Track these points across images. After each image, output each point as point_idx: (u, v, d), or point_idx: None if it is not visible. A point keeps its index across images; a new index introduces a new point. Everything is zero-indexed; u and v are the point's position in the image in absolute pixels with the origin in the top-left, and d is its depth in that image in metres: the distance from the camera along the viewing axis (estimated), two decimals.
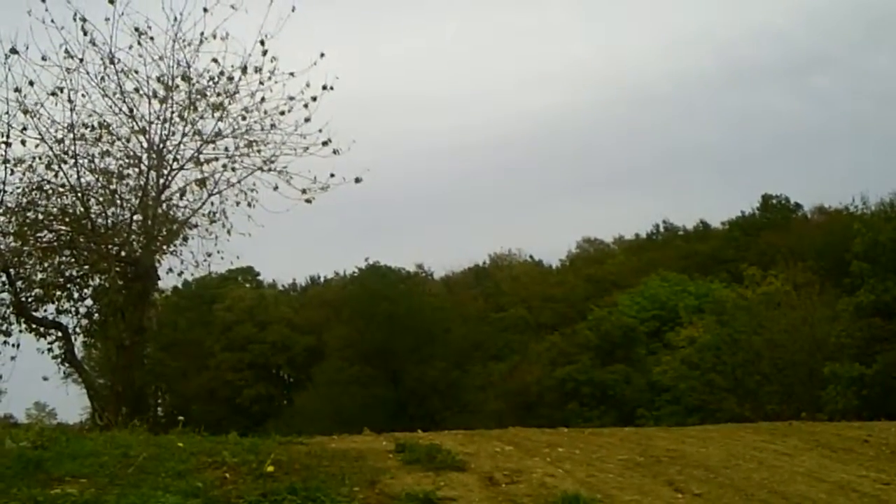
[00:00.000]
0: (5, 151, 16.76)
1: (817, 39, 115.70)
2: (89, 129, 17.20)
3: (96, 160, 17.43)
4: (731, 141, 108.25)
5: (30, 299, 17.90)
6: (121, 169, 17.58)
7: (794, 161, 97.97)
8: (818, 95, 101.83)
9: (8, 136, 16.65)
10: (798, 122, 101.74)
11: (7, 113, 16.49)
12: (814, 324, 42.24)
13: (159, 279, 17.99)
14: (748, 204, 79.90)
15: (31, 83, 16.47)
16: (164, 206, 17.71)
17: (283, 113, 17.54)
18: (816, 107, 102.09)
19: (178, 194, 17.79)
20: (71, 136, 16.90)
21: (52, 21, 16.34)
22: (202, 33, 17.06)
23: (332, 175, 17.30)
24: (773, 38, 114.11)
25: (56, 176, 17.17)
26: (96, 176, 17.44)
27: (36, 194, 17.28)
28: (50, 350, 18.06)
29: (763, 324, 43.03)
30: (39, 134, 16.77)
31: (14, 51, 16.21)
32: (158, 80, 17.24)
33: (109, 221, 17.63)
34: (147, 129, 17.30)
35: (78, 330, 18.23)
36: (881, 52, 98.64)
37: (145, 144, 17.40)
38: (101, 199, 17.55)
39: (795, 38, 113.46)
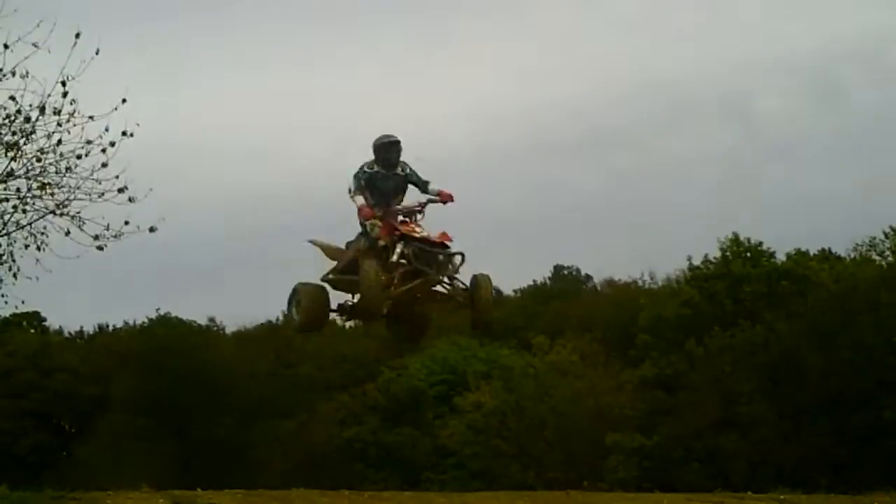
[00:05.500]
0: None
1: (619, 118, 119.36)
2: None
3: None
4: (529, 211, 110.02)
5: None
6: None
7: (589, 233, 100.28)
8: (616, 172, 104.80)
9: None
10: (595, 196, 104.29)
11: None
12: (598, 394, 43.02)
13: None
14: (541, 273, 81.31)
15: None
16: None
17: (79, 157, 16.94)
18: (614, 183, 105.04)
19: None
20: None
21: None
22: (0, 69, 16.32)
23: (127, 223, 16.83)
24: (574, 112, 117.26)
25: None
26: None
27: None
28: None
29: (549, 392, 43.61)
30: None
31: None
32: None
33: None
34: None
35: None
36: (679, 137, 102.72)
37: None
38: None
39: (596, 115, 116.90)
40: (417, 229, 13.17)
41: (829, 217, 76.05)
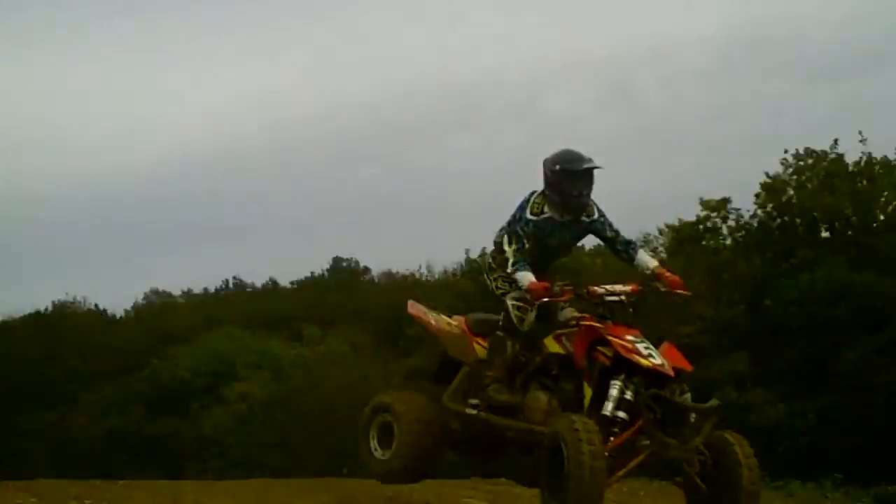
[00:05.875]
0: None
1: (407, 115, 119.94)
2: None
3: None
4: (316, 204, 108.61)
5: None
6: None
7: (371, 227, 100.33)
8: (404, 166, 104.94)
9: None
10: (385, 189, 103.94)
11: None
12: (368, 384, 43.27)
13: None
14: (320, 266, 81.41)
15: None
16: None
17: None
18: (404, 175, 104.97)
19: None
20: None
21: None
22: None
23: None
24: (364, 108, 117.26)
25: None
26: None
27: None
28: None
29: (318, 382, 43.74)
30: None
31: None
32: None
33: None
34: None
35: None
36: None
37: None
38: None
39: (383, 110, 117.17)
40: (641, 348, 7.31)
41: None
